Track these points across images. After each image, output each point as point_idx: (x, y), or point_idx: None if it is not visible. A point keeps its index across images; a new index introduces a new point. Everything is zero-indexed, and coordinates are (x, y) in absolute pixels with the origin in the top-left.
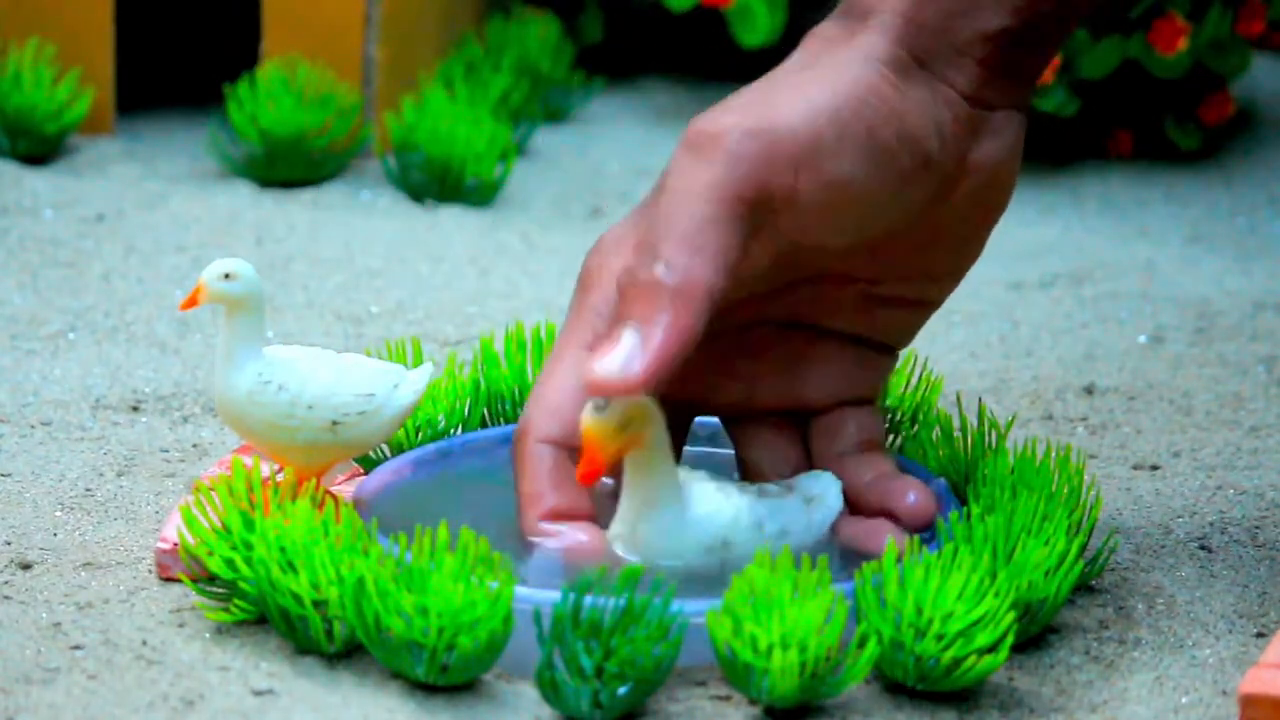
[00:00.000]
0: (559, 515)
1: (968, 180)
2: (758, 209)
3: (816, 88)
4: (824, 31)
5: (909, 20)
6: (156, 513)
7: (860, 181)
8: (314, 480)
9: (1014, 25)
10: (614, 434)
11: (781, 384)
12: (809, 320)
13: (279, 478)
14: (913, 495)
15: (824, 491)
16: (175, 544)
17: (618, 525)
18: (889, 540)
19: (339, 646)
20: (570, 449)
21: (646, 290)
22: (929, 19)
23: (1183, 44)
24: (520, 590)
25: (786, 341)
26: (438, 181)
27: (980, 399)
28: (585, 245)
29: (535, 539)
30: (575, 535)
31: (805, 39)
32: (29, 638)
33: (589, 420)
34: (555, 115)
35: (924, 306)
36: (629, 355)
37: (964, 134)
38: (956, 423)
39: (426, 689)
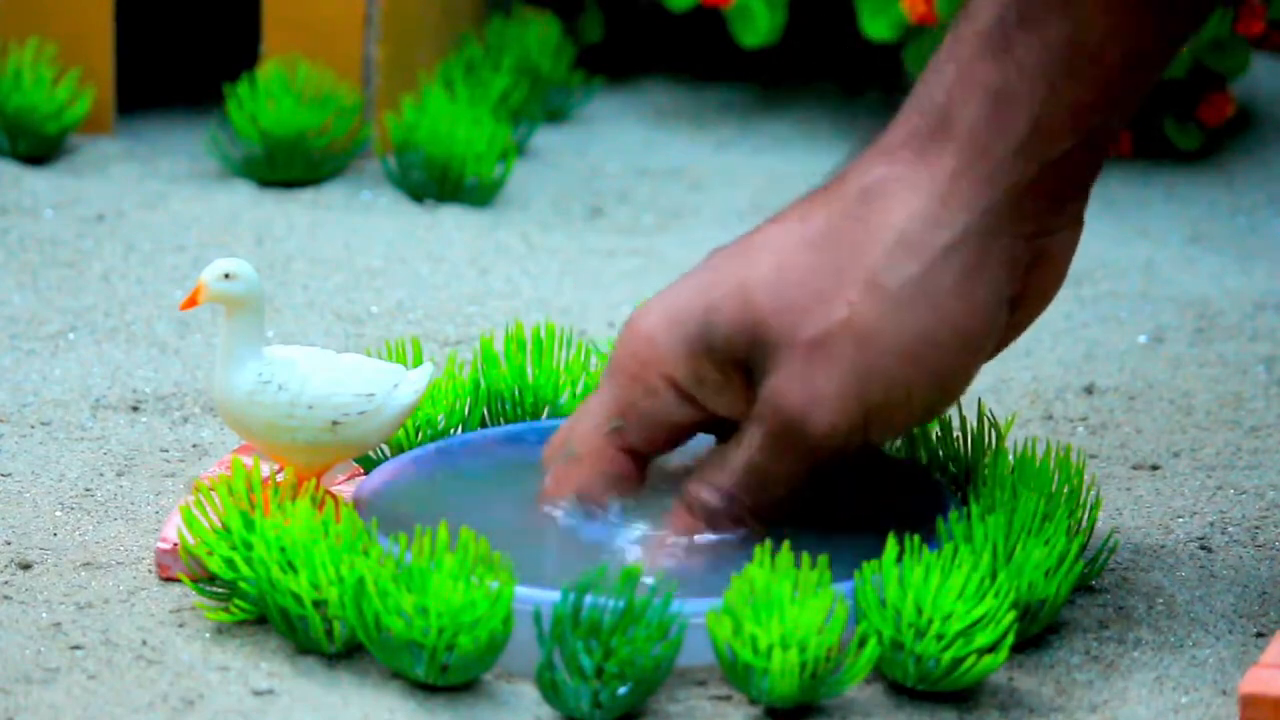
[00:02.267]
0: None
1: (1025, 304)
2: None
3: (883, 336)
4: (879, 184)
5: (1002, 202)
6: (156, 513)
7: (927, 398)
8: (314, 480)
9: (1073, 143)
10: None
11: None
12: None
13: (279, 478)
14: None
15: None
16: (175, 544)
17: None
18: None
19: (339, 646)
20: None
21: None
22: (1020, 206)
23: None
24: (520, 590)
25: None
26: (438, 181)
27: (980, 399)
28: (585, 245)
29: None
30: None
31: (857, 187)
32: (29, 638)
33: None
34: (555, 115)
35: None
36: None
37: (1025, 275)
38: (956, 423)
39: (426, 689)
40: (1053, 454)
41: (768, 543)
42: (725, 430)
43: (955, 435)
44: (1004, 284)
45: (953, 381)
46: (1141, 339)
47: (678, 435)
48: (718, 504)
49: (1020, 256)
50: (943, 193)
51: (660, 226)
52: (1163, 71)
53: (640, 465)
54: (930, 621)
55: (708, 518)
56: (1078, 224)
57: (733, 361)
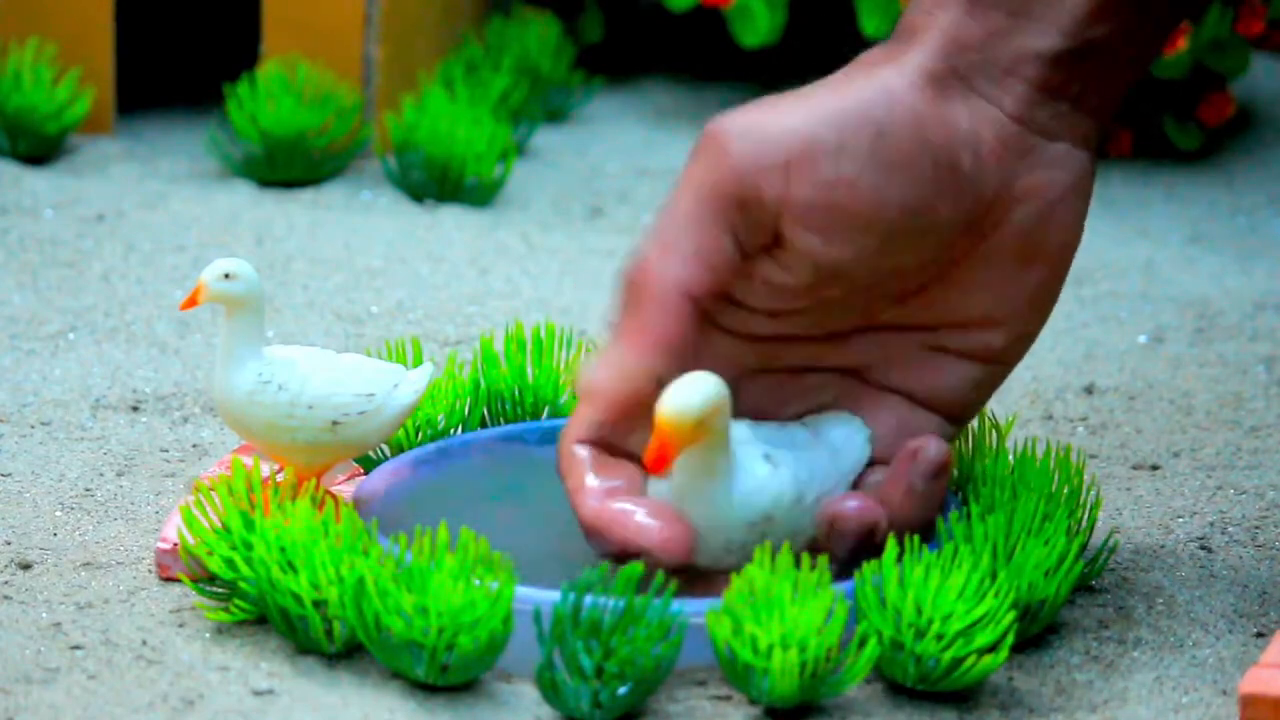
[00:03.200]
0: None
1: (1015, 210)
2: (745, 207)
3: (827, 94)
4: (868, 54)
5: (952, 38)
6: (156, 513)
7: (866, 184)
8: (314, 480)
9: (1065, 46)
10: (692, 429)
11: None
12: (868, 372)
13: (279, 478)
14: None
15: (848, 440)
16: (175, 544)
17: (666, 495)
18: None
19: (339, 646)
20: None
21: (626, 292)
22: (974, 36)
23: (1183, 44)
24: (520, 590)
25: (845, 390)
26: (438, 181)
27: None
28: (585, 245)
29: (604, 522)
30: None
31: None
32: (29, 638)
33: (668, 411)
34: (555, 115)
35: (987, 364)
36: (601, 364)
37: (1008, 156)
38: None
39: (426, 689)
40: (1053, 454)
41: (768, 543)
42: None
43: None
44: (972, 122)
45: (901, 174)
46: (1141, 339)
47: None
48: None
49: (996, 124)
50: (916, 49)
51: None
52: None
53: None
54: (930, 621)
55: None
56: (1080, 159)
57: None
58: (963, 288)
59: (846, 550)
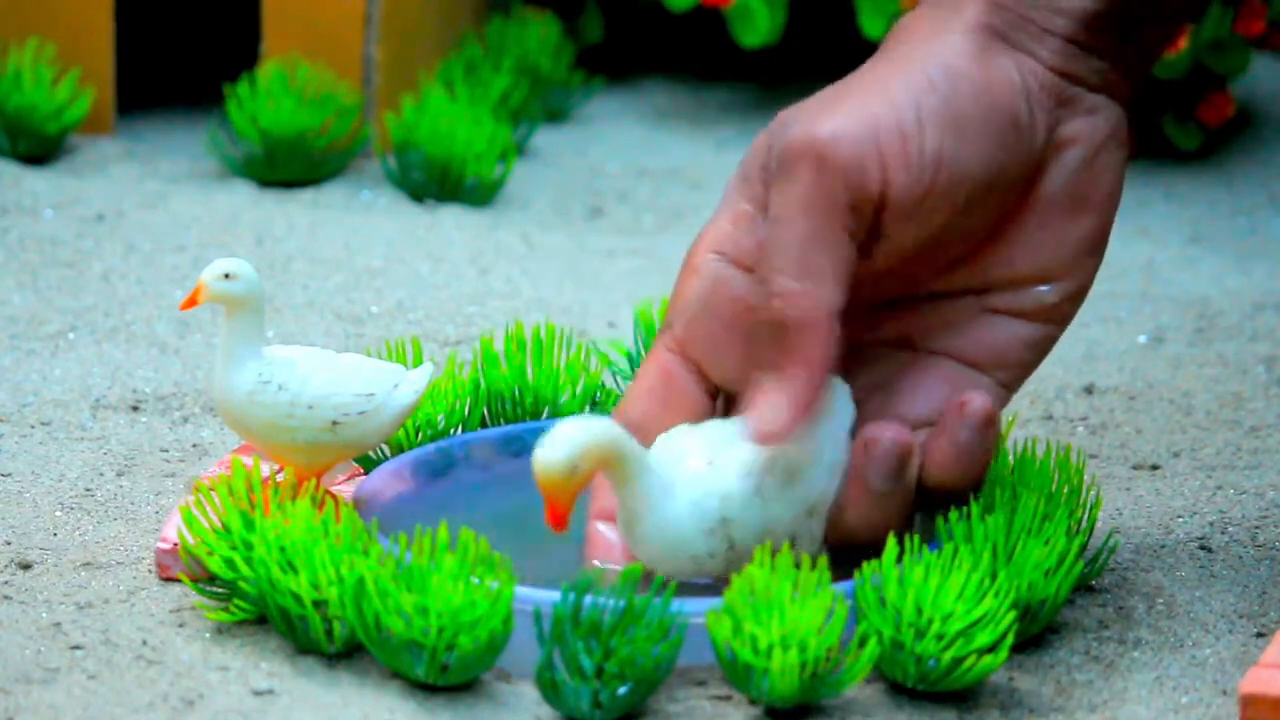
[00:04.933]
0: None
1: (1059, 156)
2: (859, 212)
3: (892, 74)
4: (907, 21)
5: (990, 2)
6: (156, 513)
7: (949, 157)
8: (314, 480)
9: (1099, 8)
10: (565, 478)
11: (881, 402)
12: (923, 341)
13: (279, 478)
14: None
15: (832, 402)
16: (175, 544)
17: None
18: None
19: (339, 646)
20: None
21: (769, 329)
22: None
23: (1183, 44)
24: (520, 590)
25: (897, 362)
26: (438, 181)
27: None
28: (585, 245)
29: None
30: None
31: (892, 30)
32: (29, 638)
33: (538, 466)
34: (555, 115)
35: (1039, 322)
36: (777, 408)
37: (1051, 103)
38: None
39: (426, 689)
40: (1053, 454)
41: (768, 543)
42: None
43: None
44: (1020, 75)
45: (969, 132)
46: (1141, 339)
47: (727, 321)
48: (768, 289)
49: (1039, 76)
50: (955, 11)
51: (660, 226)
52: None
53: (697, 378)
54: (930, 621)
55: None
56: (1115, 110)
57: (762, 177)
58: (1014, 244)
59: (882, 478)
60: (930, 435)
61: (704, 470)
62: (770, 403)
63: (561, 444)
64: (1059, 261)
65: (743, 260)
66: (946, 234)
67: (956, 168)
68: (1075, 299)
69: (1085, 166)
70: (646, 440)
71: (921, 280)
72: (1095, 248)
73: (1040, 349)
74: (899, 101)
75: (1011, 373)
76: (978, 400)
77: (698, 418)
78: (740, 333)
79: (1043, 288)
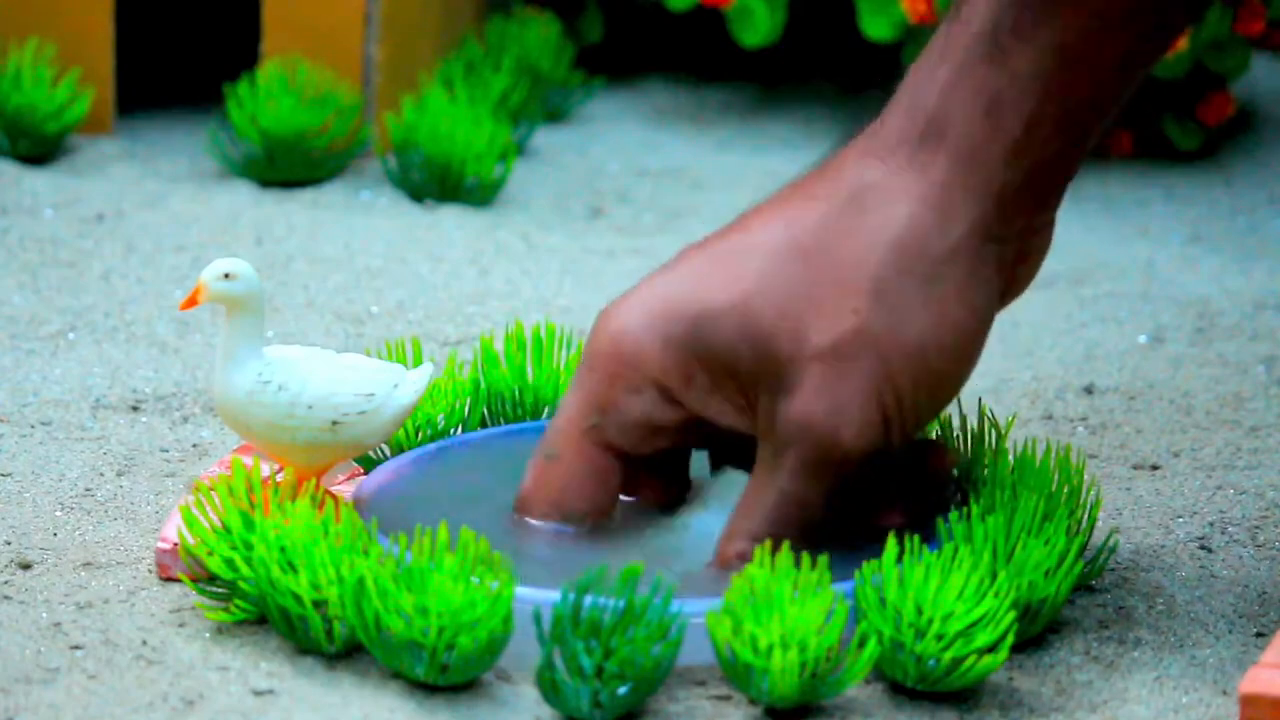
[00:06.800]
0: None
1: (1014, 287)
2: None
3: (948, 306)
4: (872, 181)
5: (992, 209)
6: (156, 513)
7: (958, 376)
8: (314, 480)
9: (1021, 181)
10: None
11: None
12: None
13: (279, 478)
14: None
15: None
16: (175, 544)
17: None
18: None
19: (339, 646)
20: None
21: (798, 449)
22: (1009, 209)
23: (1182, 44)
24: (520, 590)
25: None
26: (438, 181)
27: (980, 399)
28: (585, 245)
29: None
30: None
31: (842, 182)
32: (29, 638)
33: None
34: (555, 115)
35: None
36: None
37: (1012, 262)
38: (956, 423)
39: (426, 689)
40: (1053, 454)
41: (768, 543)
42: (700, 439)
43: (955, 435)
44: (995, 284)
45: (956, 380)
46: (1141, 339)
47: (659, 437)
48: (754, 552)
49: (1008, 256)
50: (937, 202)
51: (660, 226)
52: (1155, 65)
53: (621, 465)
54: (930, 621)
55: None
56: (1042, 247)
57: (727, 369)
58: None
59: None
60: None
61: None
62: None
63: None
64: None
65: (679, 400)
66: None
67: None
68: None
69: (1026, 269)
70: (569, 516)
71: None
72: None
73: None
74: (939, 333)
75: None
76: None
77: (617, 489)
78: (661, 436)
79: None
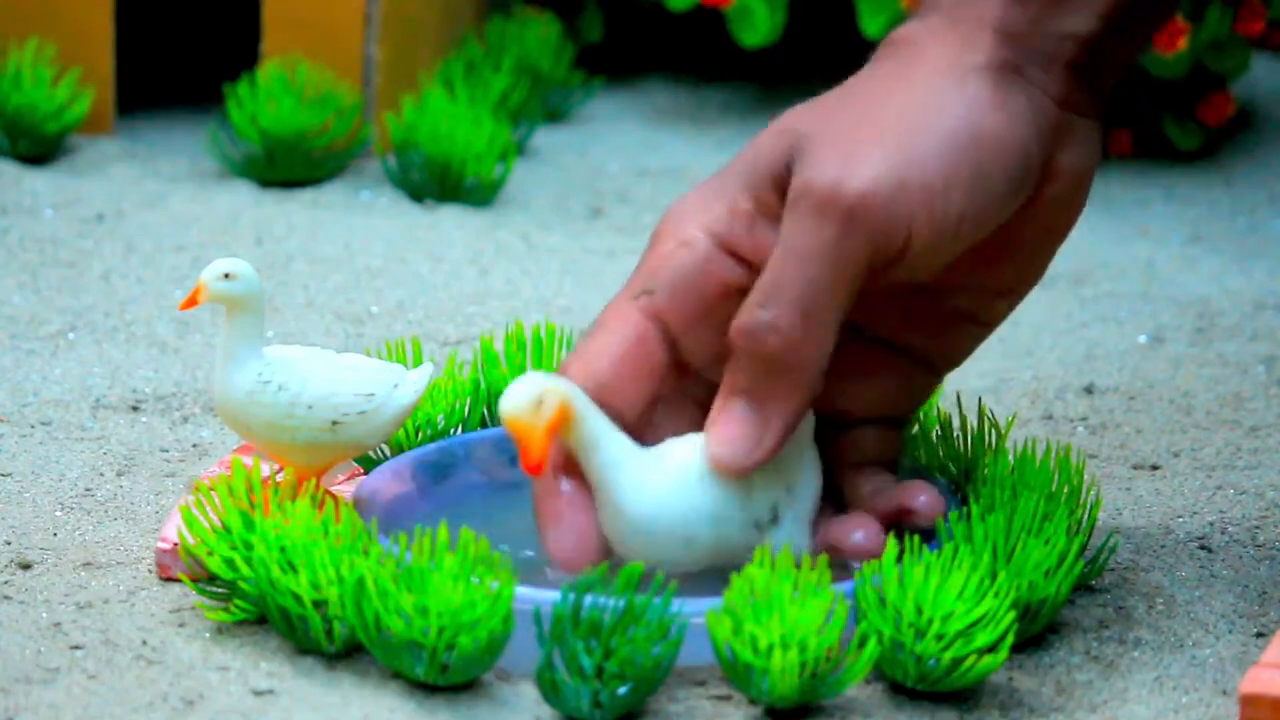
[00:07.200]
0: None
1: (1051, 187)
2: (873, 267)
3: (914, 122)
4: (916, 36)
5: (1002, 31)
6: (156, 513)
7: (970, 215)
8: (314, 480)
9: (1098, 29)
10: (532, 413)
11: (825, 389)
12: (868, 329)
13: (279, 478)
14: (923, 496)
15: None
16: (175, 544)
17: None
18: (863, 537)
19: (339, 646)
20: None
21: (759, 359)
22: (1020, 26)
23: (1182, 44)
24: (520, 590)
25: (841, 347)
26: (438, 181)
27: (980, 399)
28: (585, 245)
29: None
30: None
31: (890, 43)
32: (29, 638)
33: (505, 407)
34: (555, 115)
35: (982, 326)
36: (747, 441)
37: (1053, 139)
38: (956, 423)
39: (426, 689)
40: (1053, 454)
41: (768, 543)
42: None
43: (955, 435)
44: (1034, 117)
45: (990, 192)
46: (1141, 339)
47: (711, 302)
48: (769, 320)
49: (1048, 113)
50: (969, 39)
51: None
52: None
53: (669, 350)
54: (930, 621)
55: (760, 338)
56: (1098, 133)
57: (773, 185)
58: (988, 257)
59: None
60: (854, 520)
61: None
62: (739, 434)
63: (524, 383)
64: (1022, 280)
65: (737, 252)
66: (947, 260)
67: (975, 225)
68: (1011, 308)
69: (1068, 200)
70: (604, 406)
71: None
72: (1047, 267)
73: (974, 345)
74: (929, 166)
75: (949, 369)
76: (930, 503)
77: (661, 393)
78: (724, 319)
79: (1005, 300)
